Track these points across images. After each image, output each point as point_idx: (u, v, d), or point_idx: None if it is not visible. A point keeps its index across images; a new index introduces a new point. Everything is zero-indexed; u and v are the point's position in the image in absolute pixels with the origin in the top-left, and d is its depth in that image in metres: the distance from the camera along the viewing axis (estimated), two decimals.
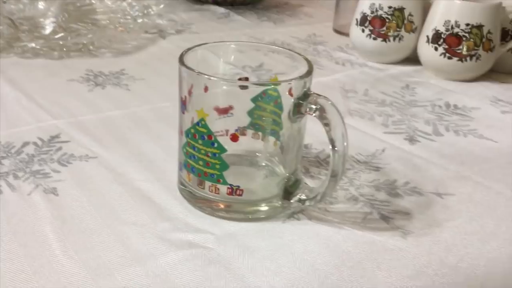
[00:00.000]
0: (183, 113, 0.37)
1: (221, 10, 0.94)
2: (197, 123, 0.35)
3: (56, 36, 0.64)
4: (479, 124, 0.56)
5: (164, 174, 0.42)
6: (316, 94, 0.35)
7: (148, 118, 0.52)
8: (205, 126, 0.35)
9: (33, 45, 0.64)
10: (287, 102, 0.36)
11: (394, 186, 0.43)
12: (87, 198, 0.39)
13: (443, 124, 0.56)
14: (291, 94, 0.36)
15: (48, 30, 0.67)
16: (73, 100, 0.55)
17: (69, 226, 0.35)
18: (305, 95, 0.35)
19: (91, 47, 0.67)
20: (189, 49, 0.38)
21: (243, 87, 0.43)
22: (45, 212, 0.37)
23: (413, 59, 0.73)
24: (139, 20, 0.75)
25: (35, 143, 0.46)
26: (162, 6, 0.84)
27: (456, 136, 0.53)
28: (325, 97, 0.35)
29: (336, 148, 0.34)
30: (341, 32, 0.87)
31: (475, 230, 0.38)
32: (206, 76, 0.35)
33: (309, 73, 0.36)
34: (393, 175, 0.45)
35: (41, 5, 0.69)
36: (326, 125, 0.34)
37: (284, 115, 0.36)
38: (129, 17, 0.75)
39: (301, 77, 0.35)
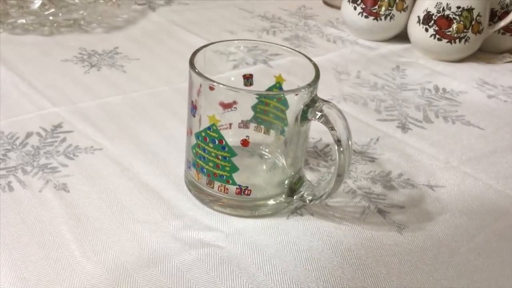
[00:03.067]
0: (194, 116, 0.38)
1: None
2: (209, 128, 0.36)
3: (47, 12, 0.63)
4: (466, 109, 0.59)
5: (169, 168, 0.44)
6: (322, 100, 0.37)
7: (148, 104, 0.53)
8: (217, 131, 0.36)
9: (23, 21, 0.63)
10: (292, 101, 0.37)
11: (389, 178, 0.46)
12: (98, 195, 0.40)
13: (433, 110, 0.58)
14: (296, 95, 0.37)
15: (36, 4, 0.65)
16: (70, 84, 0.55)
17: (84, 225, 0.37)
18: (313, 101, 0.36)
19: (82, 22, 0.66)
20: (197, 50, 0.39)
21: (247, 83, 0.44)
22: (59, 210, 0.38)
23: (402, 36, 0.74)
24: None
25: (38, 134, 0.46)
26: None
27: (445, 123, 0.55)
28: (330, 103, 0.36)
29: (342, 149, 0.35)
30: (331, 4, 0.87)
31: (464, 224, 0.41)
32: (210, 81, 0.35)
33: (315, 81, 0.37)
34: (387, 166, 0.47)
35: None
36: (332, 129, 0.35)
37: (289, 113, 0.38)
38: None
39: (309, 85, 0.36)
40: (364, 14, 0.72)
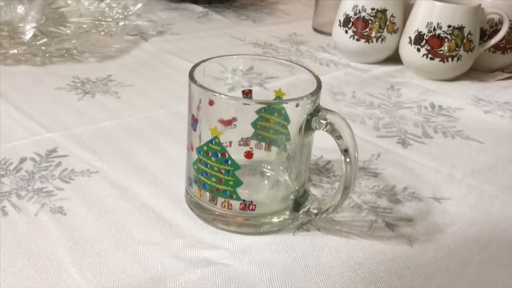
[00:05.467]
0: (194, 130, 0.37)
1: (199, 9, 0.94)
2: (211, 141, 0.35)
3: (39, 42, 0.62)
4: (464, 125, 0.58)
5: (169, 189, 0.42)
6: (325, 109, 0.36)
7: (144, 127, 0.52)
8: (219, 144, 0.35)
9: (15, 51, 0.62)
10: (294, 114, 0.36)
11: (394, 192, 0.45)
12: (96, 217, 0.38)
13: (431, 126, 0.57)
14: (297, 106, 0.37)
15: (28, 35, 0.65)
16: (64, 111, 0.54)
17: (82, 248, 0.35)
18: (316, 111, 0.36)
19: (74, 52, 0.66)
20: (197, 64, 0.38)
21: (247, 103, 0.43)
22: (55, 233, 0.36)
23: (394, 58, 0.75)
24: (121, 23, 0.73)
25: (32, 159, 0.45)
26: (140, 5, 0.83)
27: (444, 138, 0.55)
28: (334, 111, 0.36)
29: (348, 160, 0.35)
30: (321, 31, 0.88)
31: (474, 235, 0.40)
32: (211, 92, 0.35)
33: (318, 90, 0.37)
34: (391, 181, 0.46)
35: (20, 9, 0.67)
36: (338, 138, 0.34)
37: (291, 127, 0.37)
38: (110, 19, 0.74)
39: (312, 94, 0.36)
40: (356, 37, 0.73)
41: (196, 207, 0.39)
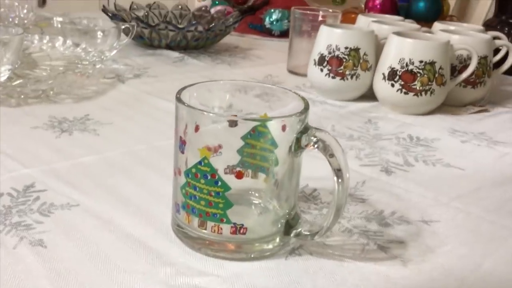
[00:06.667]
0: (183, 153, 0.36)
1: (175, 54, 0.95)
2: (200, 162, 0.35)
3: (15, 83, 0.61)
4: (443, 154, 0.59)
5: (154, 218, 0.41)
6: (314, 128, 0.36)
7: (124, 162, 0.51)
8: (208, 164, 0.34)
9: None
10: (281, 138, 0.36)
11: (382, 216, 0.44)
12: (78, 248, 0.36)
13: (412, 155, 0.58)
14: (284, 130, 0.37)
15: (3, 77, 0.64)
16: (41, 148, 0.52)
17: (65, 279, 0.33)
18: (306, 129, 0.36)
19: (51, 93, 0.65)
20: (183, 88, 0.38)
21: (233, 125, 0.43)
22: (36, 265, 0.34)
23: (368, 96, 0.76)
24: (98, 66, 0.73)
25: (9, 194, 0.43)
26: (114, 52, 0.84)
27: (425, 166, 0.55)
28: (324, 130, 0.36)
29: (340, 180, 0.34)
30: (296, 72, 0.90)
31: (467, 254, 0.40)
32: (198, 112, 0.34)
33: (306, 108, 0.37)
34: (379, 206, 0.46)
35: None
36: (331, 156, 0.34)
37: (280, 151, 0.37)
38: (86, 62, 0.74)
39: (300, 113, 0.36)
40: (331, 75, 0.74)
41: (183, 235, 0.38)
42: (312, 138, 0.35)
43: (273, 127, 0.36)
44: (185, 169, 0.36)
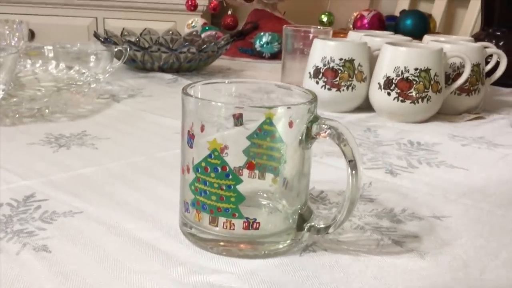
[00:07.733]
0: (191, 147, 0.35)
1: (168, 76, 0.94)
2: (210, 155, 0.34)
3: (10, 101, 0.60)
4: (446, 156, 0.59)
5: (160, 222, 0.40)
6: (325, 118, 0.35)
7: (125, 172, 0.50)
8: (219, 157, 0.34)
9: None
10: (288, 136, 0.35)
11: (393, 213, 0.43)
12: (85, 252, 0.35)
13: (414, 158, 0.57)
14: (291, 126, 0.36)
15: None
16: (39, 162, 0.51)
17: (72, 282, 0.32)
18: (316, 118, 0.35)
19: (46, 111, 0.64)
20: (189, 85, 0.37)
21: (238, 123, 0.42)
22: (41, 269, 0.33)
23: (364, 108, 0.76)
24: (92, 85, 0.72)
25: (9, 204, 0.41)
26: (108, 74, 0.83)
27: (430, 168, 0.55)
28: (334, 119, 0.35)
29: (354, 172, 0.34)
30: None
31: (483, 245, 0.39)
32: (206, 102, 0.34)
33: (314, 99, 0.36)
34: (388, 204, 0.45)
35: None
36: (345, 145, 0.33)
37: (288, 149, 0.36)
38: (80, 82, 0.73)
39: (309, 102, 0.35)
40: (327, 86, 0.75)
41: (193, 237, 0.36)
42: (324, 126, 0.34)
43: (280, 124, 0.35)
44: (193, 164, 0.35)
